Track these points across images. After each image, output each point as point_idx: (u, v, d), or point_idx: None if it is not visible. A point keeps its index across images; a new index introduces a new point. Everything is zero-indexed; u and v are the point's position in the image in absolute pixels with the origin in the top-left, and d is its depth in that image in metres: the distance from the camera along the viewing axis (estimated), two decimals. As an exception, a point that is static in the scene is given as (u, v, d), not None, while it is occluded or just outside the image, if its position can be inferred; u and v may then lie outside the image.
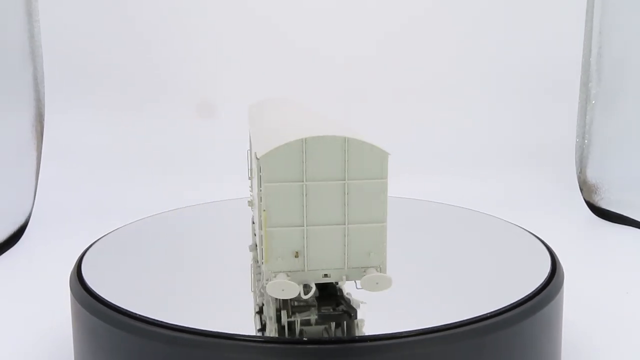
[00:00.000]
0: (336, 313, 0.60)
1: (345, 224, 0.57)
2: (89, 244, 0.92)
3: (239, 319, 0.70)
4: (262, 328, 0.65)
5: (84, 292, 0.72)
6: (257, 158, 0.58)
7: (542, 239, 0.91)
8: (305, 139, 0.55)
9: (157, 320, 0.63)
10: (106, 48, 1.68)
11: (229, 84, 1.73)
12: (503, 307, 0.65)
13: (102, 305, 0.68)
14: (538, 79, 1.78)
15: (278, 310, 0.61)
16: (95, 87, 1.69)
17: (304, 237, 0.57)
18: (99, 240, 0.94)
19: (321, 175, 0.56)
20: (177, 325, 0.62)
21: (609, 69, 1.74)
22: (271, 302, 0.62)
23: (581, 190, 1.75)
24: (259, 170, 0.57)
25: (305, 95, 1.69)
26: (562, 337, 0.77)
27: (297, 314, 0.60)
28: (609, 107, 1.73)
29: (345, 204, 0.57)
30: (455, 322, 0.62)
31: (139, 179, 1.65)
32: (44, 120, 1.66)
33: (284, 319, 0.60)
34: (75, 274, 0.77)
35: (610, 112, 1.73)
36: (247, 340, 0.59)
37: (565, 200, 1.70)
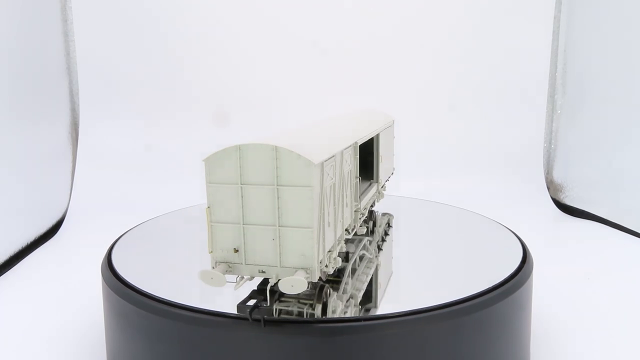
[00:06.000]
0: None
1: (276, 226, 0.54)
2: (118, 235, 0.92)
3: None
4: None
5: (113, 278, 0.72)
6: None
7: (515, 231, 0.91)
8: (239, 145, 0.53)
9: (179, 303, 0.63)
10: (135, 64, 1.68)
11: (243, 94, 1.73)
12: (479, 291, 0.65)
13: (130, 290, 0.68)
14: (511, 91, 1.78)
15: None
16: (124, 99, 1.69)
17: (241, 235, 0.55)
18: (127, 233, 0.94)
19: (255, 179, 0.54)
20: (196, 307, 0.62)
21: (572, 83, 1.74)
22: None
23: (548, 189, 1.76)
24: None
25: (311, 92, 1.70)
26: (532, 316, 0.77)
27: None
28: (572, 117, 1.74)
29: (276, 208, 0.54)
30: (436, 305, 0.62)
31: (164, 179, 1.65)
32: (78, 127, 1.67)
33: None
34: (106, 262, 0.77)
35: (574, 121, 1.73)
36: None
37: (534, 198, 1.70)
